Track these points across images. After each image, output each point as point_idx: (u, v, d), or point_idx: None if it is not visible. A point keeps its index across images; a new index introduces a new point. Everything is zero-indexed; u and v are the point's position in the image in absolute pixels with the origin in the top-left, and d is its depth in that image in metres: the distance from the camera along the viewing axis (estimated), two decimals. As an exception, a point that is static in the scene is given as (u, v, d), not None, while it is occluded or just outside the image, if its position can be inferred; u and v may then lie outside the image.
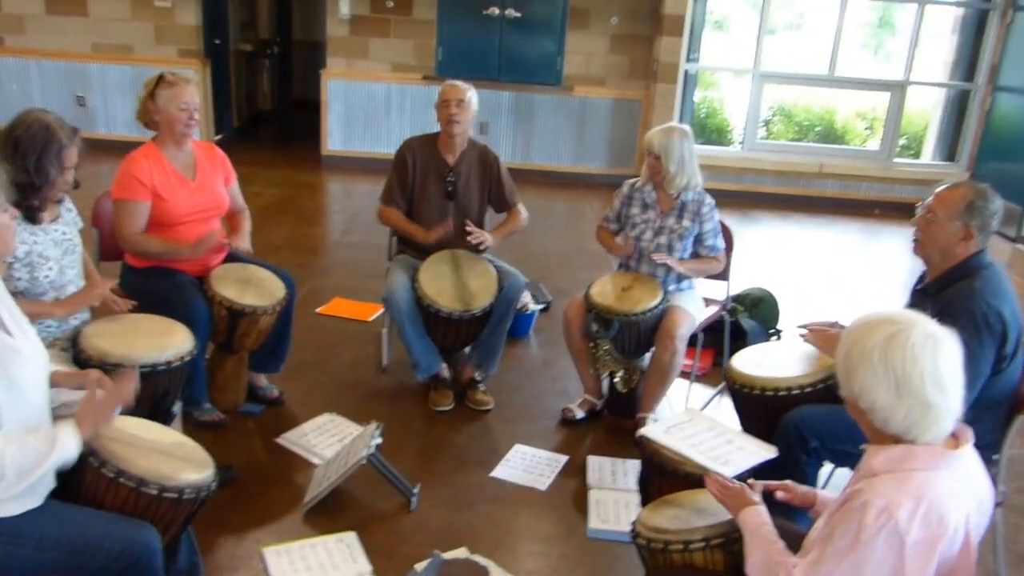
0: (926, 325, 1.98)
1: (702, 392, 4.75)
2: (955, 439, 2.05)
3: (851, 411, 2.07)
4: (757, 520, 2.24)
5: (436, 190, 4.45)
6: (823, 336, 3.27)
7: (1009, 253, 8.31)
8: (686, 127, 4.21)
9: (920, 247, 3.12)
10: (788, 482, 2.51)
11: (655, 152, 4.12)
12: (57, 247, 3.24)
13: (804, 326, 3.37)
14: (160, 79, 3.81)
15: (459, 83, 4.42)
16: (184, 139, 3.86)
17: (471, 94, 4.41)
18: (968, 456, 2.04)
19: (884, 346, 1.95)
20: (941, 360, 1.93)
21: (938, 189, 3.08)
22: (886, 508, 1.88)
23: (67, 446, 2.26)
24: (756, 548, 2.17)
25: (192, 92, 3.82)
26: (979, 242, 3.00)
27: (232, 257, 4.09)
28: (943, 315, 2.87)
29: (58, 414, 2.55)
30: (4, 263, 2.44)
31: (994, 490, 2.17)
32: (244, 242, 4.03)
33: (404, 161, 4.45)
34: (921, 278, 3.22)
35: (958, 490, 1.96)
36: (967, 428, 2.06)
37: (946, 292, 3.00)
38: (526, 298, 5.28)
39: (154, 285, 3.78)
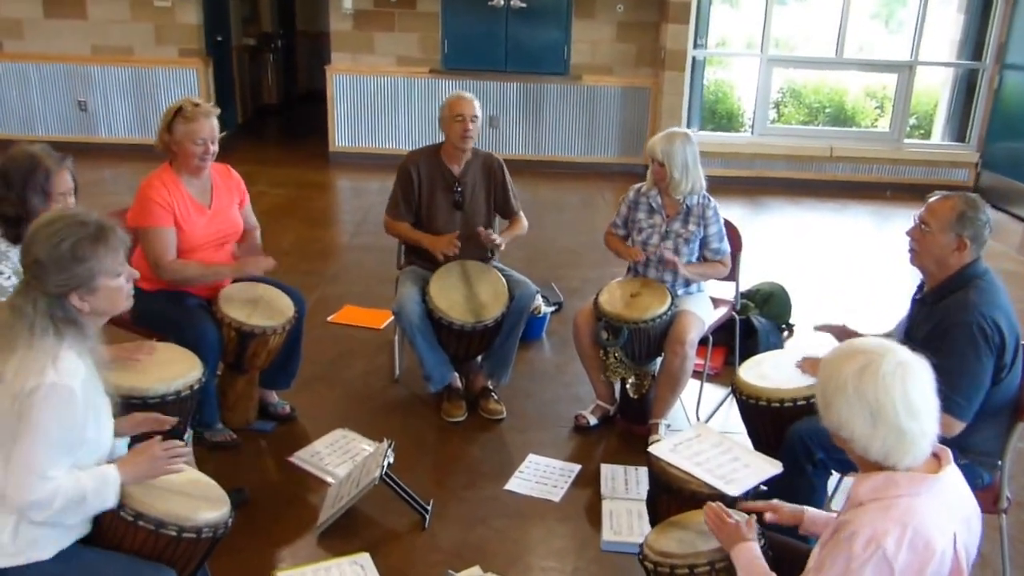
0: (897, 353, 2.03)
1: (714, 392, 4.75)
2: (937, 460, 2.10)
3: (836, 441, 2.13)
4: (748, 556, 2.30)
5: (444, 201, 4.46)
6: (833, 330, 3.40)
7: (1020, 234, 8.28)
8: (688, 131, 4.21)
9: (916, 257, 3.16)
10: (775, 502, 2.57)
11: (658, 159, 4.11)
12: None
13: (819, 327, 3.46)
14: (178, 111, 3.77)
15: (467, 95, 4.44)
16: (200, 171, 3.85)
17: (478, 103, 4.43)
18: (951, 477, 2.09)
19: (856, 378, 2.01)
20: (911, 387, 1.99)
21: (930, 200, 3.10)
22: (873, 537, 1.94)
23: (108, 489, 2.34)
24: None
25: (211, 126, 3.77)
26: (973, 252, 3.03)
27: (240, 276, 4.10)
28: (940, 328, 2.96)
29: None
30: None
31: (979, 504, 2.20)
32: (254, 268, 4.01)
33: (409, 176, 4.45)
34: (921, 287, 3.24)
35: (942, 513, 2.02)
36: (946, 449, 2.11)
37: (942, 303, 3.04)
38: (537, 300, 5.28)
39: (163, 308, 3.79)
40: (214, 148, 3.82)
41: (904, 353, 2.03)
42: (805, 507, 2.56)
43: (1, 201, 3.08)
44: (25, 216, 3.08)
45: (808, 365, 3.39)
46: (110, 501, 2.35)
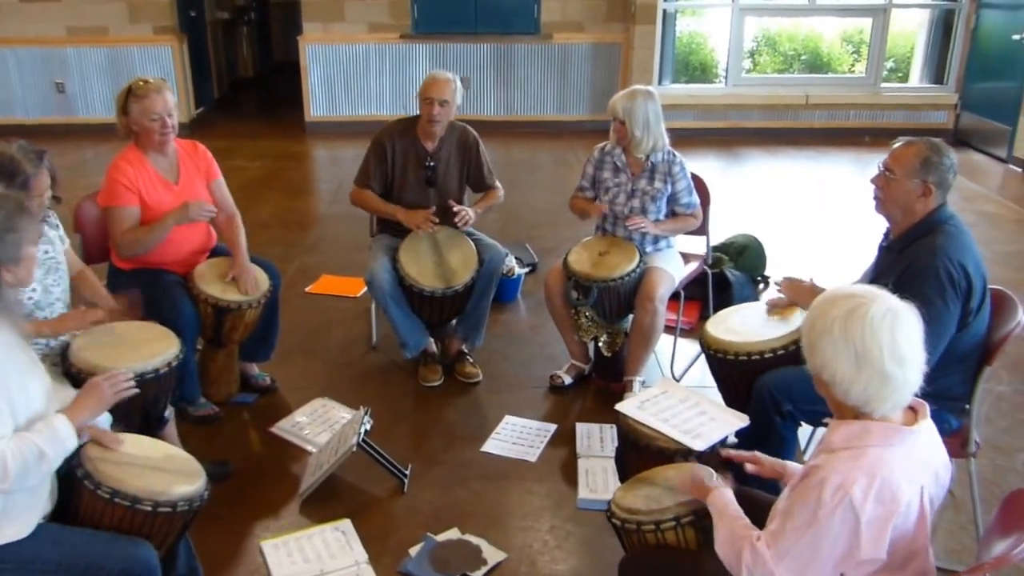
0: (887, 300, 2.04)
1: (688, 347, 4.78)
2: (914, 414, 2.12)
3: (817, 385, 2.14)
4: (723, 500, 2.32)
5: (416, 177, 4.48)
6: (795, 287, 3.39)
7: (1001, 175, 8.31)
8: (650, 88, 4.23)
9: (882, 205, 3.16)
10: (757, 453, 2.59)
11: (619, 117, 4.14)
12: (39, 267, 3.27)
13: (780, 282, 3.48)
14: (129, 92, 3.79)
15: (444, 76, 4.34)
16: (162, 146, 3.88)
17: (455, 86, 4.35)
18: (925, 430, 2.11)
19: (844, 320, 2.02)
20: (899, 334, 2.00)
21: (894, 146, 3.10)
22: (841, 485, 1.96)
23: (61, 434, 2.36)
24: (722, 524, 2.25)
25: (163, 100, 3.78)
26: (938, 197, 3.03)
27: (216, 251, 4.15)
28: (907, 273, 2.94)
29: None
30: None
31: (947, 449, 2.23)
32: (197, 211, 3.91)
33: (383, 150, 4.45)
34: (887, 234, 3.25)
35: (913, 466, 2.03)
36: (924, 403, 2.12)
37: (909, 249, 3.04)
38: (511, 262, 5.33)
39: (141, 287, 3.84)
40: (172, 121, 3.83)
41: (894, 301, 2.05)
42: (787, 462, 2.58)
43: None
44: None
45: (774, 307, 3.44)
46: (71, 443, 2.38)
